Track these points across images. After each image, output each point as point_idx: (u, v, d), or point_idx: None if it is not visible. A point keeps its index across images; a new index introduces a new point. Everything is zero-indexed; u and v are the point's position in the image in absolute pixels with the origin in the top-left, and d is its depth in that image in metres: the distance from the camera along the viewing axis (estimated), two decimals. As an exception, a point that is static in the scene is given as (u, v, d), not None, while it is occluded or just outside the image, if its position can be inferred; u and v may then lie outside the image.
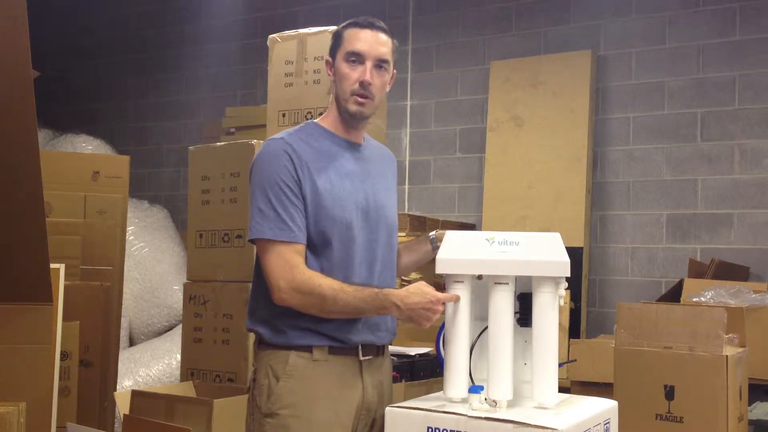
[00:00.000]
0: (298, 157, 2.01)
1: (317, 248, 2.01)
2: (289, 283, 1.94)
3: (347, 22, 2.12)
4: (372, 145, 2.24)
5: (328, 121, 2.15)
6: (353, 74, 2.05)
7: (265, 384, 2.01)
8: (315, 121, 2.18)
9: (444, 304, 1.93)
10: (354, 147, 2.15)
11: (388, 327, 2.13)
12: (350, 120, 2.11)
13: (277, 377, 1.99)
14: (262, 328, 2.04)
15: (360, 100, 2.06)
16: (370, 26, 2.07)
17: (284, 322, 2.00)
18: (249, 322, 2.10)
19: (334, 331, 2.00)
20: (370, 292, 1.96)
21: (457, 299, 1.92)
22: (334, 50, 2.12)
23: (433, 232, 2.27)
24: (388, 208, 2.17)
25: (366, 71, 2.05)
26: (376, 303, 1.94)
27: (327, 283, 1.94)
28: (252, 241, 2.03)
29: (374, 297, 1.94)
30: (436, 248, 2.21)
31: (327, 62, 2.15)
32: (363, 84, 2.05)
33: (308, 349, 2.00)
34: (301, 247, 1.98)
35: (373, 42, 2.06)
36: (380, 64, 2.08)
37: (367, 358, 2.06)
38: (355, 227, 2.04)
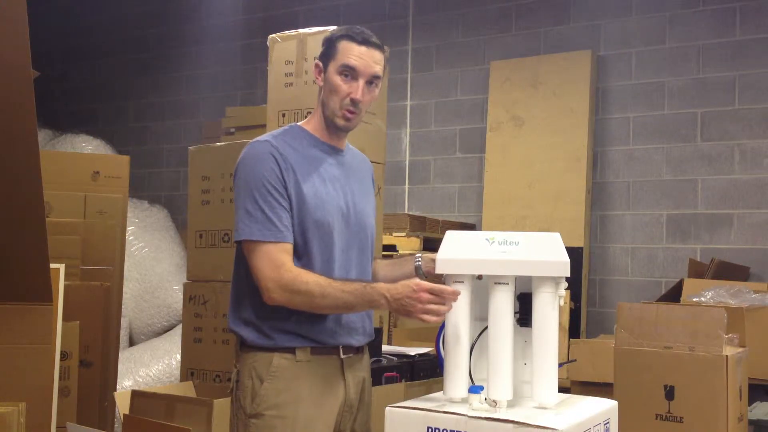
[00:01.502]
0: (284, 159, 2.03)
1: (299, 250, 2.03)
2: (277, 283, 1.95)
3: (341, 31, 2.11)
4: (351, 150, 2.27)
5: (312, 125, 2.16)
6: (345, 88, 2.07)
7: (248, 386, 2.02)
8: (299, 124, 2.19)
9: (434, 294, 1.89)
10: (336, 152, 2.17)
11: (366, 330, 2.17)
12: (335, 130, 2.14)
13: (261, 379, 2.01)
14: (246, 330, 2.05)
15: (348, 115, 2.09)
16: (366, 43, 2.07)
17: (268, 324, 2.02)
18: (231, 322, 2.11)
19: (315, 335, 2.03)
20: (358, 285, 1.97)
21: (452, 293, 1.88)
22: (326, 58, 2.11)
23: (419, 255, 2.27)
24: (367, 213, 2.20)
25: (359, 89, 2.06)
26: (364, 296, 1.95)
27: (314, 280, 1.96)
28: (238, 242, 2.04)
29: (362, 290, 1.96)
30: (418, 268, 2.23)
31: (316, 66, 2.14)
32: (354, 101, 2.07)
33: (291, 350, 2.02)
34: (289, 246, 2.00)
35: (368, 59, 2.07)
36: (372, 80, 2.09)
37: (347, 356, 2.09)
38: (335, 231, 2.07)
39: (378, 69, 2.09)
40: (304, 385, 2.02)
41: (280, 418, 1.99)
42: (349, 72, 2.06)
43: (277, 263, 1.96)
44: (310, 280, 1.95)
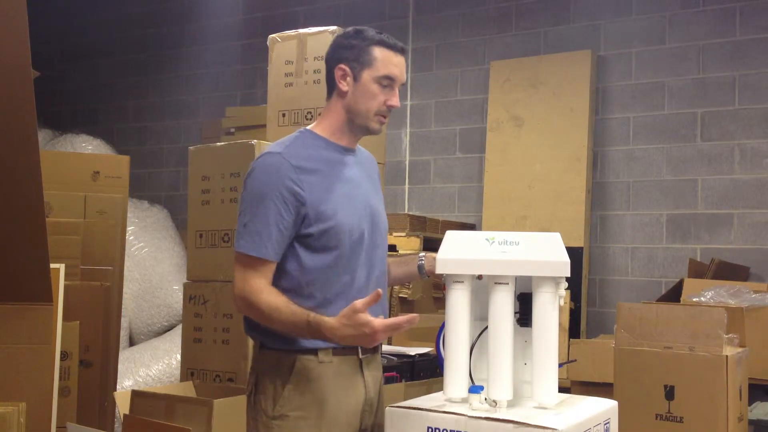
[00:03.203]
0: (296, 170, 2.01)
1: (325, 253, 2.03)
2: (239, 293, 1.99)
3: (374, 38, 2.09)
4: (360, 149, 2.27)
5: (325, 128, 2.14)
6: (382, 96, 2.09)
7: (271, 388, 2.02)
8: (308, 129, 2.17)
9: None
10: (350, 153, 2.17)
11: None
12: (364, 134, 2.16)
13: (284, 380, 2.01)
14: (265, 333, 2.05)
15: (383, 120, 2.13)
16: (402, 52, 2.12)
17: None
18: (248, 329, 2.11)
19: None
20: (303, 320, 1.93)
21: (408, 321, 1.86)
22: (358, 64, 2.07)
23: (423, 254, 2.27)
24: (381, 210, 2.22)
25: (396, 96, 2.12)
26: (308, 331, 1.93)
27: (266, 300, 1.95)
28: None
29: (306, 325, 1.92)
30: (421, 267, 2.24)
31: (340, 69, 2.08)
32: (390, 108, 2.11)
33: (314, 351, 2.02)
34: (266, 262, 1.99)
35: (404, 68, 2.12)
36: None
37: (365, 356, 2.09)
38: (357, 232, 2.07)
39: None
40: (327, 386, 2.02)
41: (304, 419, 1.99)
42: (389, 82, 2.09)
43: (244, 276, 1.98)
44: (263, 299, 1.95)
